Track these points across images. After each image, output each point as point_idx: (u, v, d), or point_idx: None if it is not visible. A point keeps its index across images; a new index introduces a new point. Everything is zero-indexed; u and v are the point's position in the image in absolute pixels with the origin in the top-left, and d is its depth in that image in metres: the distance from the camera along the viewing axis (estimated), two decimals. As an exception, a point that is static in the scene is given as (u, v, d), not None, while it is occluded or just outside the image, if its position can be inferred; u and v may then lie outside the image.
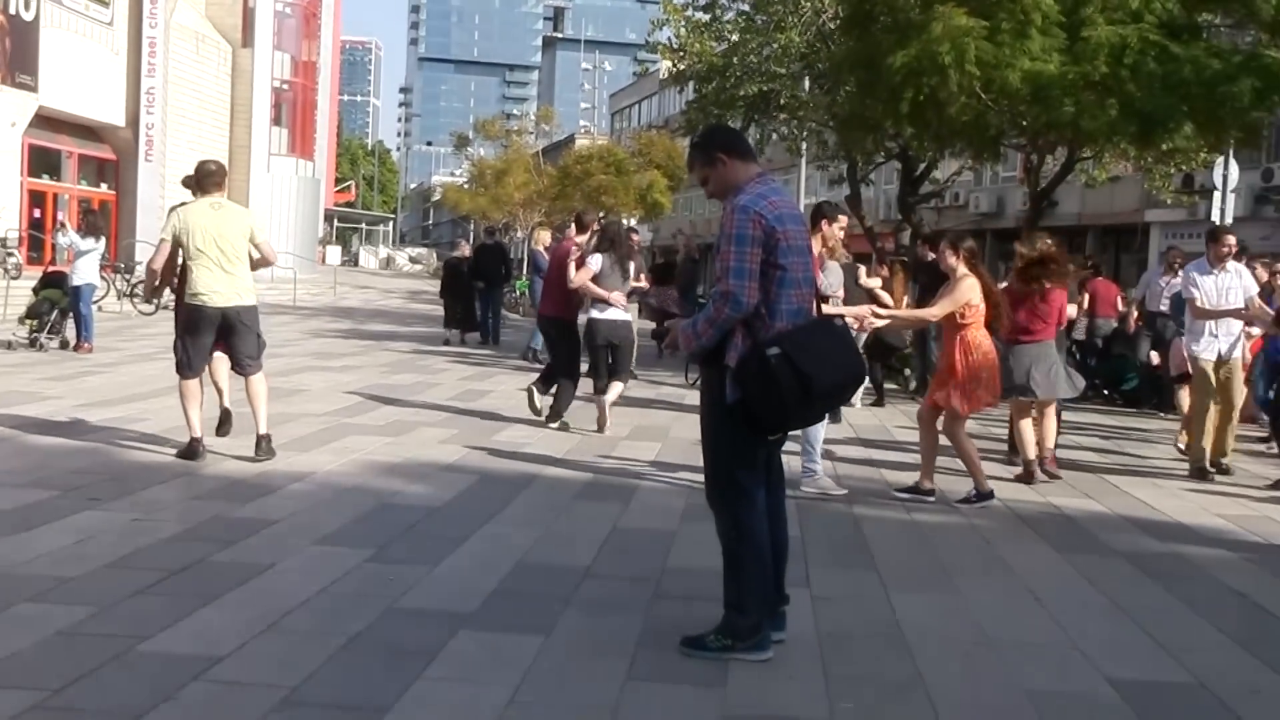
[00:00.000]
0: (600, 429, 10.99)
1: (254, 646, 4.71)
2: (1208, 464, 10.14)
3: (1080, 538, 7.67)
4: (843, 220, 8.91)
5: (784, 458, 5.27)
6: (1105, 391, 16.04)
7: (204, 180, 8.48)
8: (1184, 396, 12.25)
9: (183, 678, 4.31)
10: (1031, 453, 9.38)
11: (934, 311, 8.50)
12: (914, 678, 4.75)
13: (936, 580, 6.41)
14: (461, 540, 6.63)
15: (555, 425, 11.15)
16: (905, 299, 15.57)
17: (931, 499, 8.43)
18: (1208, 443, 10.27)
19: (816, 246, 8.54)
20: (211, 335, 8.45)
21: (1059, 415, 10.45)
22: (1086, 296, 16.05)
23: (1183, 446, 11.04)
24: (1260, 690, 4.84)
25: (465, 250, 24.02)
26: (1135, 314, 16.33)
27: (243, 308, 8.48)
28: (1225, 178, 21.21)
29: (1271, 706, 4.66)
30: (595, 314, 10.99)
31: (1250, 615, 6.04)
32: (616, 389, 11.16)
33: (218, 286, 8.30)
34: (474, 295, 22.06)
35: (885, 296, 9.73)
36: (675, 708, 4.34)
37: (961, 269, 8.48)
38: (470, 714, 4.16)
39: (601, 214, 52.22)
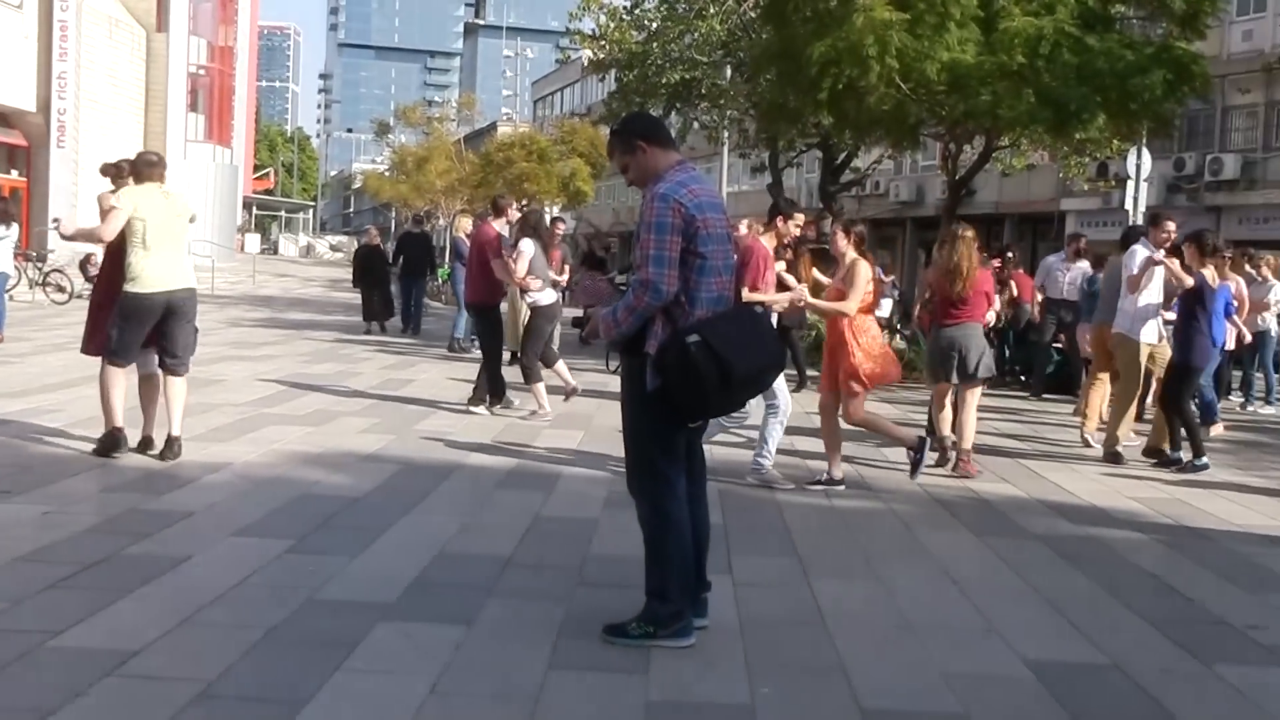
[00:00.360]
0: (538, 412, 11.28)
1: (170, 640, 4.65)
2: (1167, 449, 10.29)
3: (998, 522, 7.78)
4: (799, 217, 8.95)
5: (708, 447, 5.28)
6: (1023, 378, 16.25)
7: (148, 170, 8.26)
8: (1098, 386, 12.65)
9: (96, 673, 4.23)
10: (946, 430, 9.48)
11: (850, 305, 8.54)
12: (834, 662, 4.80)
13: (857, 566, 6.47)
14: (382, 530, 6.58)
15: (492, 408, 11.45)
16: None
17: (842, 487, 8.49)
18: (1126, 428, 10.45)
19: (771, 242, 8.62)
20: (150, 323, 8.18)
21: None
22: (1014, 285, 16.28)
23: (1090, 435, 11.19)
24: (1172, 670, 4.93)
25: (375, 238, 23.63)
26: (1039, 300, 16.53)
27: (186, 291, 8.29)
28: (1138, 167, 21.62)
29: (1183, 685, 4.75)
30: (540, 300, 11.40)
31: (1163, 596, 6.16)
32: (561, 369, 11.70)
33: (164, 272, 8.10)
34: (389, 282, 21.81)
35: (791, 280, 9.83)
36: (597, 695, 4.34)
37: (852, 253, 8.59)
38: (390, 705, 4.13)
39: (524, 201, 52.13)
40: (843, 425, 8.75)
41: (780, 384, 8.35)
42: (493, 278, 11.44)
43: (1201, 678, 4.87)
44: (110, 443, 8.21)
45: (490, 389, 11.55)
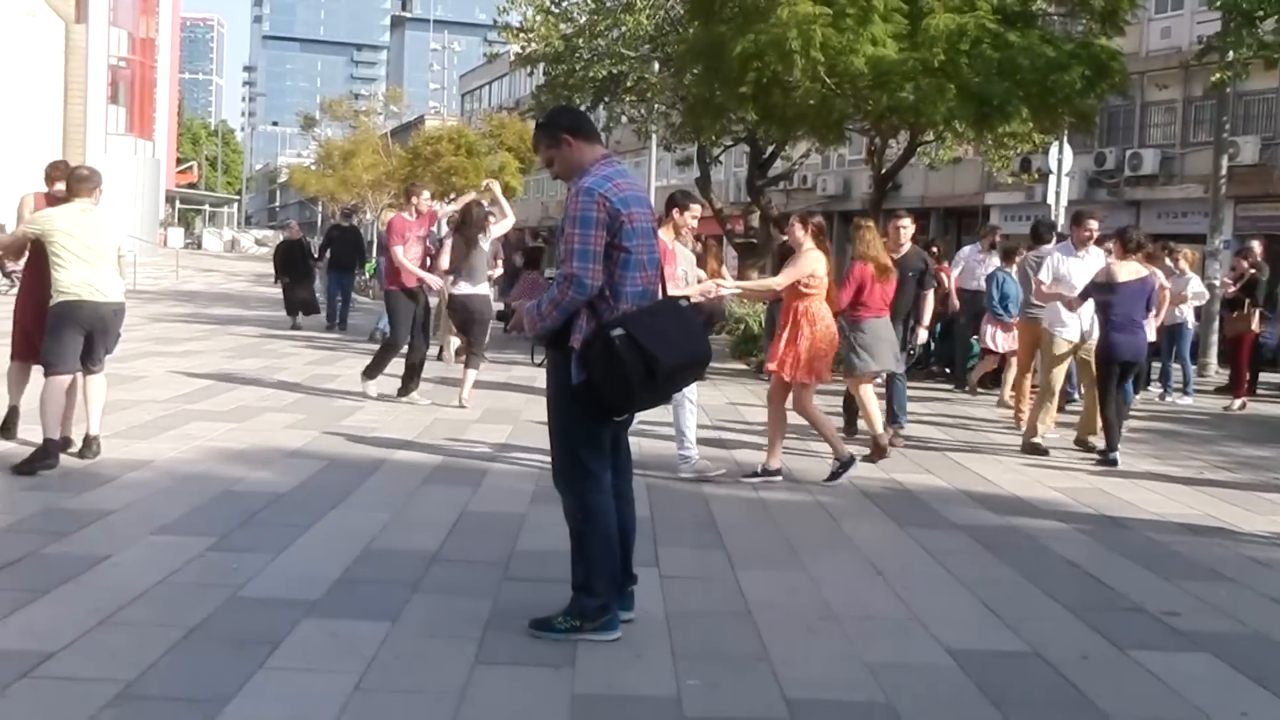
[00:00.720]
0: (462, 403, 11.43)
1: (88, 640, 4.58)
2: (1085, 442, 10.45)
3: (922, 512, 7.86)
4: (695, 209, 8.87)
5: (635, 439, 5.29)
6: (947, 370, 16.41)
7: (78, 185, 8.11)
8: (1010, 370, 13.25)
9: (11, 675, 4.16)
10: (880, 427, 9.55)
11: (779, 281, 8.61)
12: (759, 653, 4.83)
13: (783, 557, 6.51)
14: (307, 527, 6.52)
15: (366, 385, 11.79)
16: (726, 275, 15.93)
17: (779, 479, 8.53)
18: (1049, 420, 10.60)
19: (669, 235, 8.55)
20: (83, 330, 8.04)
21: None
22: (944, 278, 16.44)
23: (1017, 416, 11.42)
24: (1089, 656, 5.02)
25: (296, 231, 23.26)
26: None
27: (116, 305, 8.19)
28: (1060, 162, 21.91)
29: (1099, 671, 4.84)
30: (457, 289, 11.68)
31: (1081, 584, 6.26)
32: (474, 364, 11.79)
33: (92, 282, 7.97)
34: (312, 277, 21.55)
35: (701, 274, 9.92)
36: (523, 690, 4.33)
37: (809, 243, 8.63)
38: (314, 702, 4.10)
39: (451, 195, 51.85)
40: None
41: None
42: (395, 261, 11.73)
43: (1119, 663, 4.96)
44: (44, 455, 7.98)
45: (367, 369, 11.89)
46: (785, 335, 8.65)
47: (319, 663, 4.48)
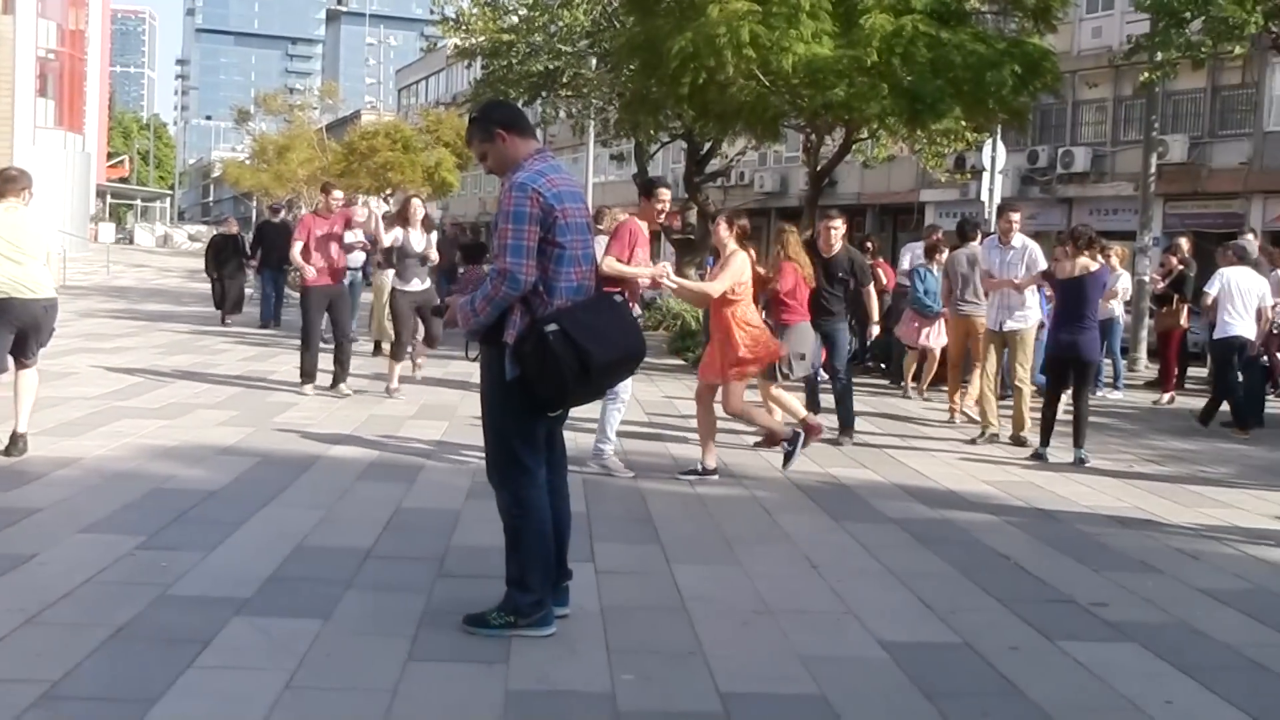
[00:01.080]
0: (390, 392, 11.87)
1: (12, 641, 4.50)
2: (1020, 438, 10.59)
3: (856, 506, 7.92)
4: (662, 192, 8.76)
5: (570, 434, 5.29)
6: (883, 366, 16.53)
7: (4, 185, 8.01)
8: (927, 360, 13.87)
9: (-67, 676, 4.09)
10: (803, 410, 9.54)
11: (715, 287, 8.59)
12: (694, 647, 4.84)
13: (718, 551, 6.53)
14: (238, 525, 6.45)
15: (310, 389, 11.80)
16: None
17: (715, 476, 8.54)
18: (992, 411, 10.76)
19: (646, 219, 8.51)
20: (13, 330, 7.95)
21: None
22: (881, 274, 16.56)
23: (972, 413, 11.58)
24: (1019, 647, 5.08)
25: (233, 227, 22.92)
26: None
27: (47, 301, 8.10)
28: (994, 159, 22.12)
29: (1029, 661, 4.89)
30: (398, 284, 12.17)
31: (1013, 576, 6.33)
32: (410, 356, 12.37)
33: (19, 280, 7.87)
34: (243, 273, 21.22)
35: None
36: (457, 687, 4.31)
37: (732, 244, 8.62)
38: (243, 701, 4.06)
39: (388, 191, 51.47)
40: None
41: None
42: (308, 259, 11.83)
43: (1049, 654, 5.02)
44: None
45: (302, 368, 11.97)
46: (716, 340, 8.66)
47: (249, 661, 4.43)
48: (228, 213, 27.02)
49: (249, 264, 21.43)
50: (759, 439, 9.16)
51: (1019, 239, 10.90)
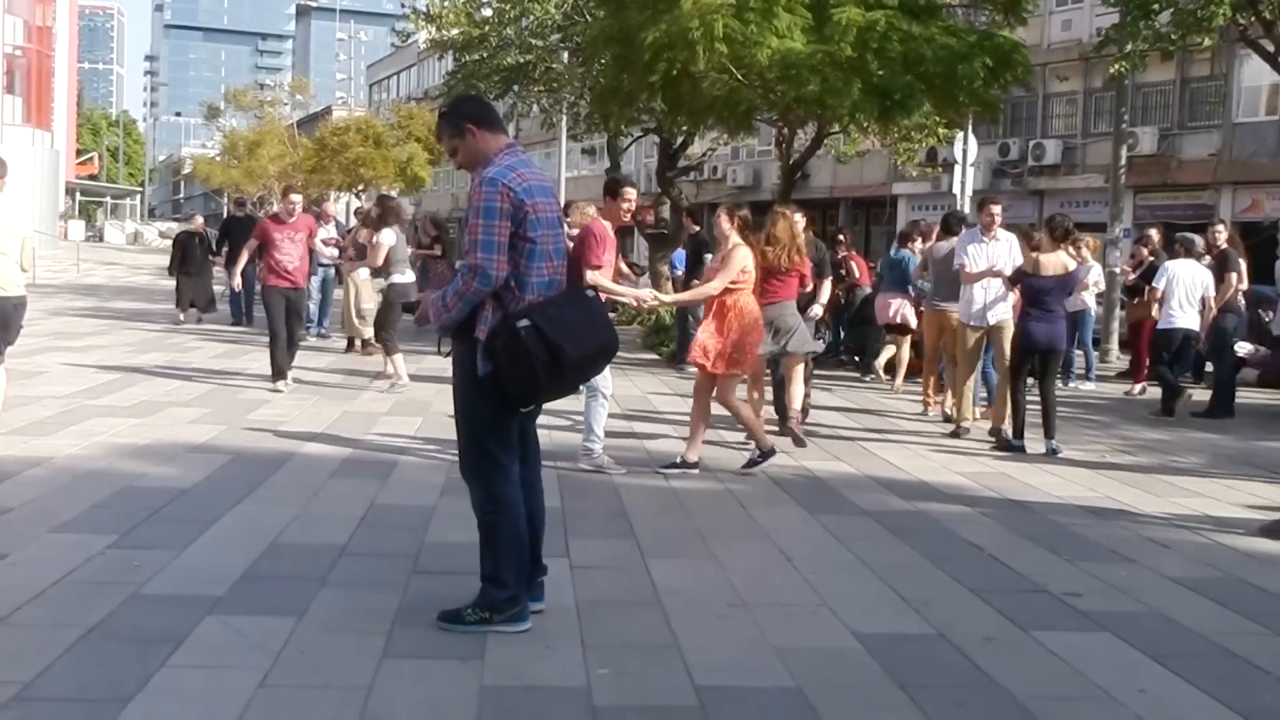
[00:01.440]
0: (395, 384, 12.19)
1: (-17, 642, 4.47)
2: (999, 431, 10.49)
3: (830, 499, 7.93)
4: (629, 191, 8.71)
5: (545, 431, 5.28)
6: (856, 359, 16.56)
7: None
8: (887, 350, 14.03)
9: (-98, 679, 4.05)
10: (766, 440, 9.47)
11: (714, 286, 8.53)
12: (669, 641, 4.84)
13: (693, 546, 6.53)
14: (211, 523, 6.42)
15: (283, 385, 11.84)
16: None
17: (695, 471, 8.53)
18: (968, 405, 10.79)
19: (611, 219, 8.41)
20: None
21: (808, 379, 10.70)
22: (853, 266, 16.62)
23: (948, 408, 11.62)
24: (993, 637, 5.10)
25: (198, 223, 22.53)
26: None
27: (17, 299, 8.05)
28: (965, 152, 22.18)
29: (1003, 651, 4.91)
30: (397, 279, 12.66)
31: (986, 567, 6.35)
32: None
33: None
34: (209, 270, 20.86)
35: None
36: (432, 683, 4.30)
37: (735, 236, 8.60)
38: (218, 700, 4.04)
39: (360, 187, 51.25)
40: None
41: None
42: (268, 260, 11.95)
43: (1022, 644, 5.04)
44: None
45: (272, 366, 12.05)
46: (712, 328, 8.61)
47: (223, 660, 4.41)
48: (198, 210, 26.69)
49: (215, 260, 21.15)
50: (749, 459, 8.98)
51: (1001, 232, 10.90)
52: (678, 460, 8.60)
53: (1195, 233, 14.40)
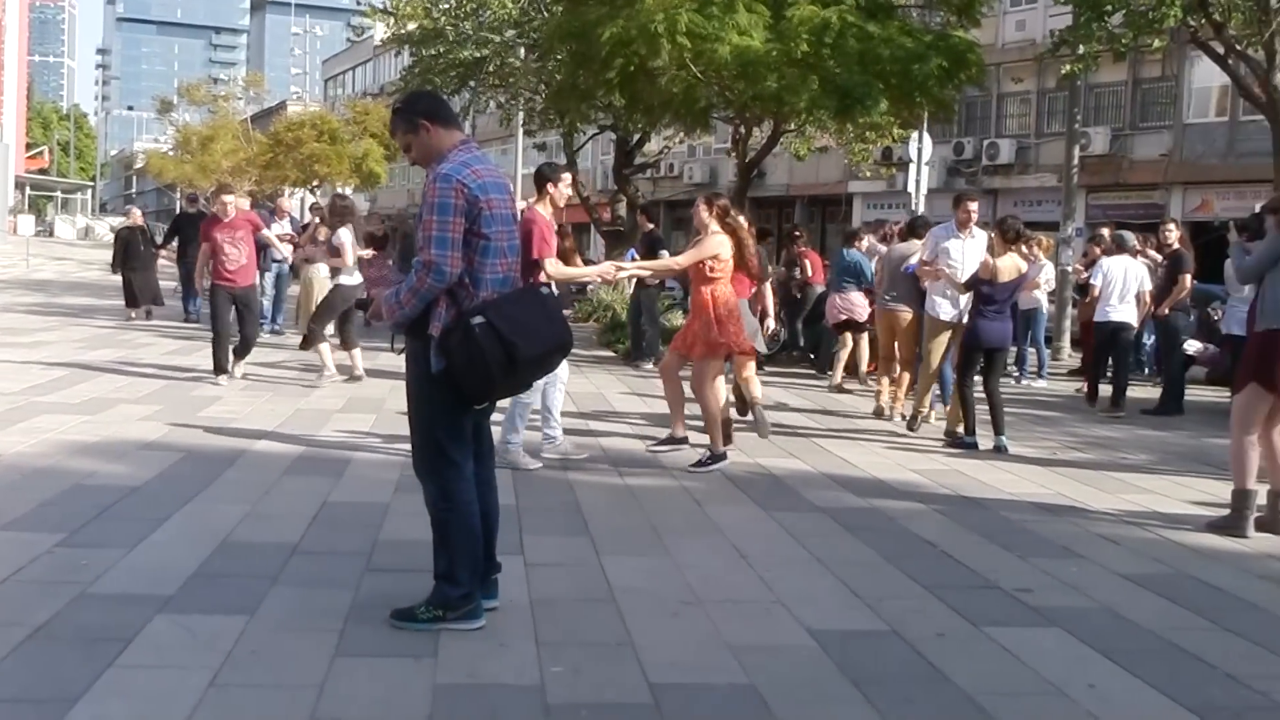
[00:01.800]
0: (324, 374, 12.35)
1: (-73, 642, 4.40)
2: (954, 433, 10.50)
3: (785, 496, 7.96)
4: (566, 177, 8.67)
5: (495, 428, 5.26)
6: (811, 356, 16.61)
7: None
8: (844, 350, 13.98)
9: None
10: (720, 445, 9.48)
11: (680, 260, 8.59)
12: (623, 638, 4.84)
13: (648, 542, 6.53)
14: (161, 521, 6.36)
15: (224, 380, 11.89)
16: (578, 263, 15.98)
17: (687, 445, 8.56)
18: (927, 400, 10.82)
19: (547, 210, 8.35)
20: None
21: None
22: (807, 264, 16.66)
23: (879, 399, 11.67)
24: (945, 633, 5.13)
25: (138, 218, 21.94)
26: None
27: None
28: (920, 151, 22.35)
29: (955, 647, 4.94)
30: (344, 280, 12.62)
31: (939, 563, 6.39)
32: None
33: None
34: (154, 267, 20.44)
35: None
36: (384, 681, 4.28)
37: (714, 225, 8.62)
38: (167, 699, 4.00)
39: (315, 183, 50.92)
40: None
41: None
42: (214, 261, 12.06)
43: (974, 640, 5.08)
44: None
45: (214, 361, 12.07)
46: (693, 317, 8.72)
47: (172, 659, 4.37)
48: (141, 204, 26.07)
49: (162, 254, 20.79)
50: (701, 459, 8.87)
51: (976, 229, 10.94)
52: (666, 437, 8.62)
53: (1147, 232, 14.58)
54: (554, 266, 8.02)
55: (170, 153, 71.85)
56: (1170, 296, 13.05)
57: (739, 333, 8.76)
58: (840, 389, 13.77)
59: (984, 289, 10.05)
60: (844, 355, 14.17)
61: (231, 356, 12.13)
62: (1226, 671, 4.79)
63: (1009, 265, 10.09)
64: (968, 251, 10.72)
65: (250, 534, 6.24)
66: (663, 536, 6.65)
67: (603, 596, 5.43)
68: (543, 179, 8.38)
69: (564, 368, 8.51)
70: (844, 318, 13.95)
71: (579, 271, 8.65)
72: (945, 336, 10.78)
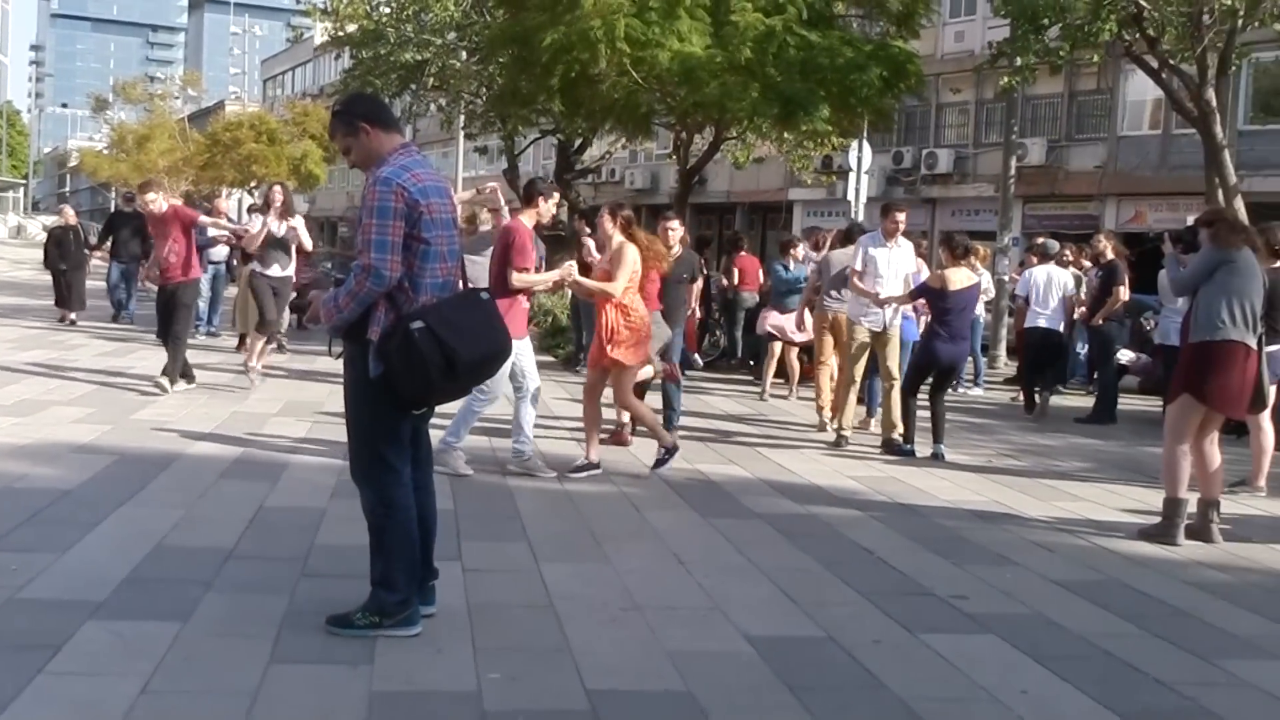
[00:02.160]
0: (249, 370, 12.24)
1: None
2: (891, 441, 10.51)
3: (723, 502, 7.98)
4: (556, 196, 8.79)
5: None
6: (750, 363, 16.67)
7: None
8: (773, 358, 13.93)
9: None
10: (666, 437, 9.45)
11: (615, 286, 8.55)
12: (560, 645, 4.83)
13: (587, 549, 6.53)
14: (93, 525, 6.27)
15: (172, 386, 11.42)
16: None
17: (598, 470, 8.54)
18: (848, 416, 10.80)
19: (531, 221, 8.42)
20: None
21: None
22: (736, 271, 16.74)
23: (827, 416, 11.70)
24: (881, 640, 5.17)
25: (70, 217, 21.25)
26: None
27: None
28: (860, 160, 22.51)
29: (891, 654, 4.98)
30: (258, 268, 12.53)
31: (875, 570, 6.43)
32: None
33: None
34: (84, 266, 20.05)
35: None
36: (320, 688, 4.25)
37: (618, 236, 8.64)
38: (97, 707, 3.94)
39: (253, 184, 50.52)
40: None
41: (529, 365, 8.36)
42: (163, 258, 11.66)
43: (910, 646, 5.12)
44: None
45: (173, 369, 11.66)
46: (599, 327, 8.68)
47: (103, 666, 4.31)
48: (72, 203, 25.51)
49: (95, 254, 20.46)
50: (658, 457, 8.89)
51: (901, 239, 10.99)
52: (580, 462, 8.62)
53: (1081, 243, 14.81)
54: (519, 279, 8.06)
55: (105, 151, 70.90)
56: (1105, 307, 13.24)
57: (647, 340, 8.76)
58: (766, 396, 13.74)
59: (940, 303, 10.11)
60: (771, 364, 14.08)
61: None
62: (1156, 677, 4.86)
63: (961, 275, 10.18)
64: (894, 260, 10.78)
65: (184, 539, 6.17)
66: (601, 543, 6.65)
67: (541, 603, 5.42)
68: (534, 193, 8.56)
69: (537, 377, 8.54)
70: (803, 338, 13.81)
71: (541, 278, 8.64)
72: (865, 348, 10.81)
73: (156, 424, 9.62)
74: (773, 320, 13.84)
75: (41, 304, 20.96)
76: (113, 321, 18.88)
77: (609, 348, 8.56)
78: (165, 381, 11.35)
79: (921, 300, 10.76)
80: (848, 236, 12.32)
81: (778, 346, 14.03)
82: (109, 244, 20.04)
